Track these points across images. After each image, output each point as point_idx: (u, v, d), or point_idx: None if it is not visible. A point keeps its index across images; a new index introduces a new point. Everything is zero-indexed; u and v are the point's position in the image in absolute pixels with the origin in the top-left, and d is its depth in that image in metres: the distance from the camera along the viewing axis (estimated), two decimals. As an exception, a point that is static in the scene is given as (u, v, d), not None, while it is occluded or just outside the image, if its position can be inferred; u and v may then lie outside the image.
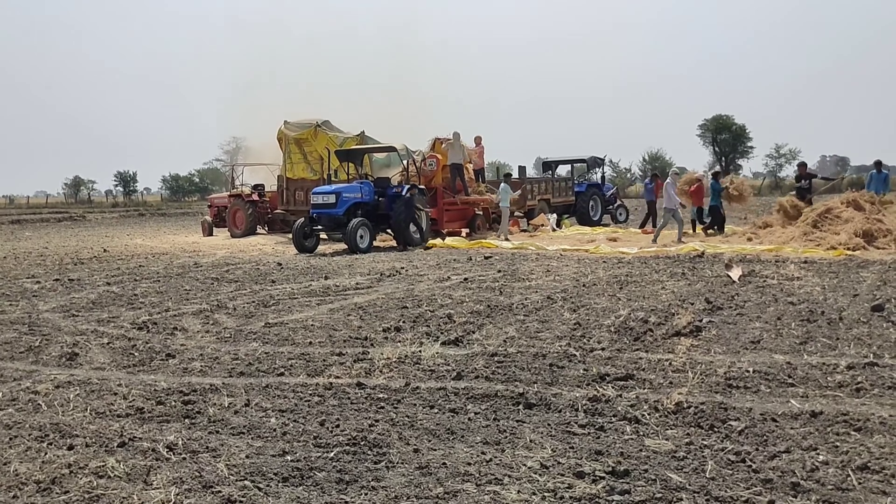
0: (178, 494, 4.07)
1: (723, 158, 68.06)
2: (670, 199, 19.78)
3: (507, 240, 20.72)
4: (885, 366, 6.30)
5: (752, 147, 69.07)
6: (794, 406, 5.35)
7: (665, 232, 20.49)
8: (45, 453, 4.82)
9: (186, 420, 5.47)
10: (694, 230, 22.03)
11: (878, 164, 21.70)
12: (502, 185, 22.93)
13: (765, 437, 4.78)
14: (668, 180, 20.61)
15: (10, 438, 5.14)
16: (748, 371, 6.26)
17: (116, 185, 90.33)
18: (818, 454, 4.45)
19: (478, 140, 25.83)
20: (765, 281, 11.41)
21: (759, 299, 9.75)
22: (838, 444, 4.62)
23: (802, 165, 22.49)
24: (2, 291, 12.69)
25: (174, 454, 4.73)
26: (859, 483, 4.03)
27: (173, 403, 5.87)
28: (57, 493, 4.17)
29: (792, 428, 4.94)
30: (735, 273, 12.06)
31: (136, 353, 7.70)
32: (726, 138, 67.78)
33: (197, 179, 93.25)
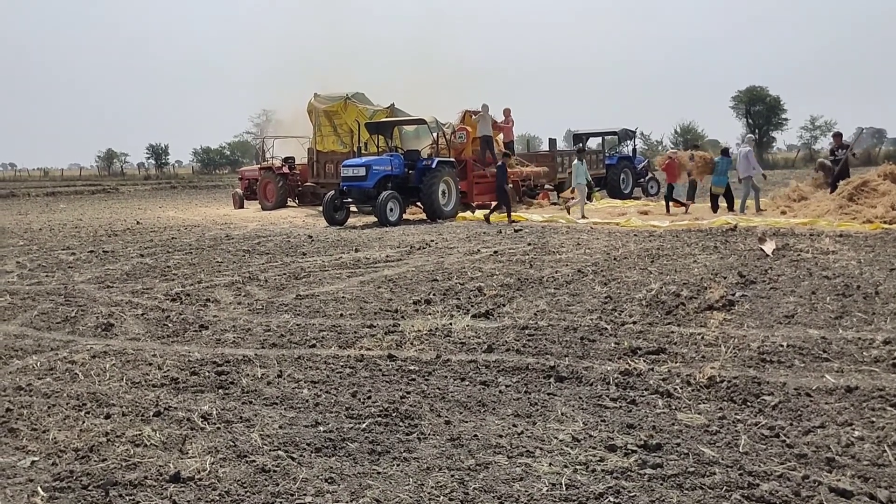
0: (213, 463, 4.13)
1: (756, 130, 67.02)
2: (749, 167, 19.34)
3: (583, 217, 19.42)
4: (922, 341, 6.20)
5: (786, 119, 67.96)
6: (828, 381, 5.29)
7: (695, 205, 20.27)
8: (83, 422, 4.90)
9: (220, 390, 5.54)
10: (667, 210, 21.50)
11: (725, 150, 20.95)
12: (575, 161, 21.42)
13: (799, 412, 4.73)
14: (745, 148, 20.07)
15: (49, 407, 5.24)
16: (782, 345, 6.19)
17: (148, 158, 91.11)
18: (853, 429, 4.40)
19: (507, 112, 25.65)
20: (799, 255, 11.25)
21: (793, 273, 9.63)
22: (874, 419, 4.57)
23: (838, 136, 21.72)
24: (38, 263, 12.90)
25: (209, 424, 4.80)
26: (895, 459, 3.99)
27: (207, 374, 5.94)
28: (95, 461, 4.24)
29: (826, 403, 4.89)
30: (768, 247, 11.90)
31: (169, 325, 7.80)
32: (760, 110, 66.70)
33: (228, 152, 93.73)
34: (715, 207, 19.94)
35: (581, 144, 24.28)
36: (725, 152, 20.61)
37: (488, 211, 19.56)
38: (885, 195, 16.41)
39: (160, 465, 4.13)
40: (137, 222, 21.98)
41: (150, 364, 6.27)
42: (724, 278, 9.33)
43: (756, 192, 19.38)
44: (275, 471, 4.03)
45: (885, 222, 14.95)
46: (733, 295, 8.19)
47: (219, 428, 4.73)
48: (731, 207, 19.73)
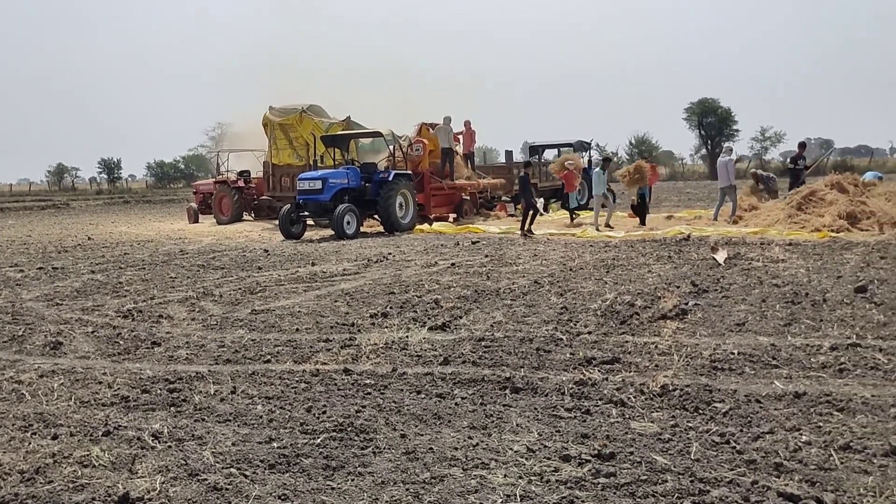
0: (163, 483, 4.06)
1: (709, 142, 68.06)
2: (728, 176, 19.59)
3: (608, 226, 19.31)
4: (867, 346, 6.34)
5: (737, 130, 68.89)
6: (777, 387, 5.38)
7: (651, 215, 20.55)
8: (29, 443, 4.79)
9: (172, 408, 5.46)
10: (572, 219, 21.92)
11: (605, 160, 21.35)
12: (597, 170, 20.73)
13: (749, 419, 4.81)
14: (724, 158, 20.32)
15: (-5, 428, 5.12)
16: (733, 353, 6.29)
17: (100, 173, 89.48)
18: (801, 434, 4.49)
19: (467, 125, 25.78)
20: (750, 263, 11.46)
21: (744, 282, 9.80)
22: (821, 424, 4.66)
23: (802, 145, 21.92)
24: (-15, 280, 12.61)
25: (159, 442, 4.72)
26: (841, 463, 4.07)
27: (159, 391, 5.85)
28: (41, 483, 4.15)
29: (776, 409, 4.97)
30: (721, 256, 12.10)
31: (120, 342, 7.67)
32: (712, 122, 67.68)
33: (182, 166, 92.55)
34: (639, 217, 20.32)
35: (608, 158, 22.88)
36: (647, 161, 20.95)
37: (522, 225, 18.41)
38: (832, 204, 16.82)
39: (108, 486, 4.05)
40: (89, 238, 21.61)
41: (100, 382, 6.16)
42: (678, 287, 9.46)
43: (734, 202, 19.67)
44: (227, 489, 3.98)
45: (832, 231, 15.30)
46: (686, 304, 8.30)
47: (170, 446, 4.66)
48: (643, 221, 20.06)
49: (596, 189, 20.12)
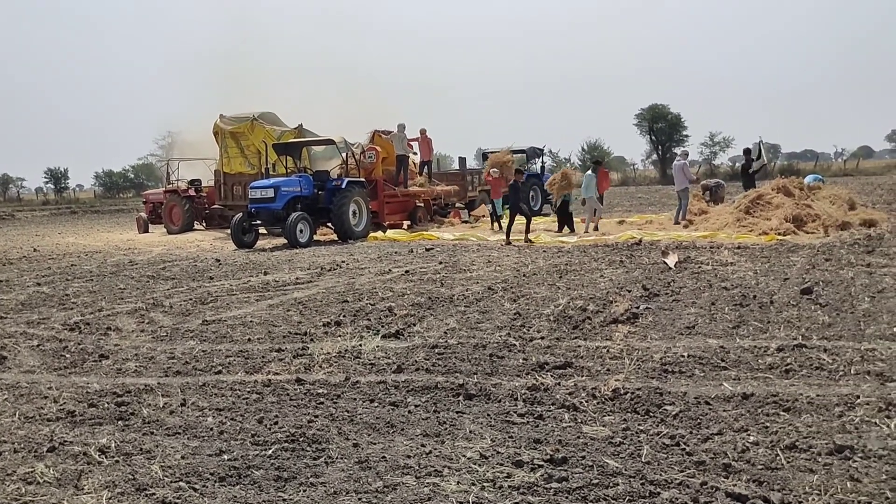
0: (109, 499, 3.98)
1: (659, 147, 69.02)
2: (684, 179, 19.88)
3: (596, 230, 19.51)
4: (812, 347, 6.47)
5: (687, 135, 70.04)
6: (726, 389, 5.47)
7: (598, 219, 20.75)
8: (-28, 461, 4.67)
9: (120, 422, 5.36)
10: (493, 224, 22.22)
11: (596, 163, 21.82)
12: (588, 172, 20.63)
13: (698, 421, 4.87)
14: (679, 161, 20.52)
15: (-65, 447, 4.97)
16: (683, 356, 6.37)
17: (47, 183, 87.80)
18: (749, 435, 4.56)
19: (423, 132, 25.79)
20: (700, 267, 11.64)
21: (694, 285, 9.95)
22: (768, 424, 4.74)
23: (747, 151, 22.29)
24: (-74, 295, 12.26)
25: (106, 457, 4.63)
26: (788, 462, 4.14)
27: (106, 405, 5.74)
28: (-17, 502, 4.04)
29: (724, 410, 5.05)
30: (671, 260, 12.27)
31: (67, 355, 7.51)
32: (662, 127, 68.69)
33: (131, 175, 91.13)
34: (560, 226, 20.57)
35: (598, 160, 23.03)
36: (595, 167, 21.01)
37: (524, 234, 17.86)
38: (778, 208, 17.18)
39: (53, 503, 3.96)
40: (34, 249, 21.13)
41: (45, 397, 6.02)
42: (629, 292, 9.57)
43: (684, 203, 20.00)
44: (175, 503, 3.92)
45: (779, 234, 15.61)
46: (638, 308, 8.40)
47: (117, 461, 4.57)
48: (561, 228, 20.39)
49: (586, 192, 20.07)
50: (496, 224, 21.90)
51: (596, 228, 19.70)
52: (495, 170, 23.62)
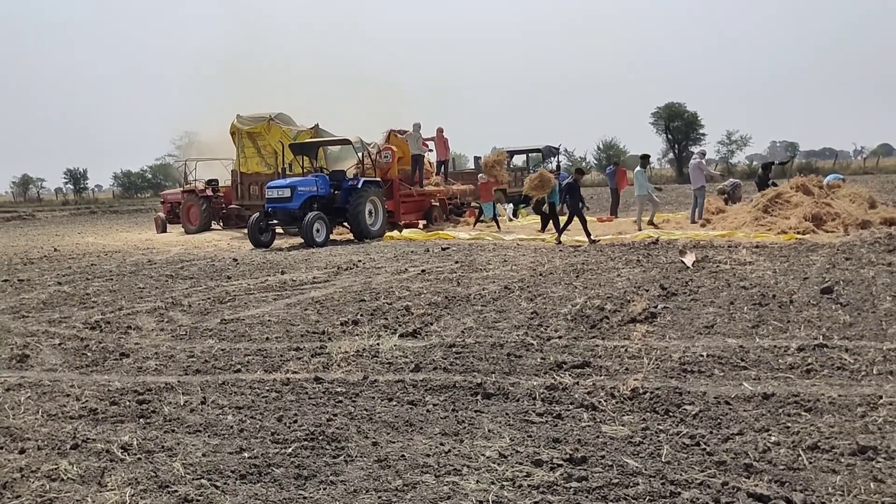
0: (132, 495, 4.02)
1: (676, 146, 68.75)
2: (700, 178, 19.83)
3: (652, 224, 19.51)
4: (833, 347, 6.43)
5: (703, 134, 69.66)
6: (746, 389, 5.44)
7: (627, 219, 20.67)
8: (-4, 458, 4.71)
9: (141, 420, 5.40)
10: (476, 224, 22.32)
11: (644, 157, 21.64)
12: (638, 169, 20.53)
13: (718, 421, 4.85)
14: (696, 160, 20.48)
15: (-41, 444, 5.02)
16: (702, 355, 6.35)
17: (66, 183, 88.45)
18: (770, 435, 4.54)
19: (439, 132, 25.80)
20: (718, 266, 11.58)
21: (712, 284, 9.90)
22: (789, 424, 4.71)
23: (767, 168, 22.32)
24: (-52, 294, 12.39)
25: (129, 455, 4.67)
26: (810, 462, 4.12)
27: (128, 403, 5.78)
28: (8, 498, 4.08)
29: (745, 410, 5.02)
30: (689, 259, 12.22)
31: (88, 354, 7.57)
32: (679, 126, 68.39)
33: (149, 176, 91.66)
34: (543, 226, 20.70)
35: (647, 155, 22.13)
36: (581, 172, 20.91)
37: (560, 232, 17.43)
38: (797, 206, 17.05)
39: (77, 500, 4.00)
40: (55, 249, 21.30)
41: (68, 395, 6.07)
42: (647, 291, 9.53)
43: (701, 202, 19.93)
44: (198, 500, 3.94)
45: (798, 233, 15.50)
46: (655, 307, 8.37)
47: (139, 458, 4.60)
48: (544, 227, 20.53)
49: (639, 190, 20.00)
50: (494, 224, 22.01)
51: (651, 223, 19.55)
52: (482, 175, 23.64)
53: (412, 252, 16.24)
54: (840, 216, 16.31)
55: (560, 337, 7.34)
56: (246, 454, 4.60)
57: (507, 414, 5.20)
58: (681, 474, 4.02)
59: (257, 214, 19.85)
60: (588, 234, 16.71)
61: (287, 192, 19.16)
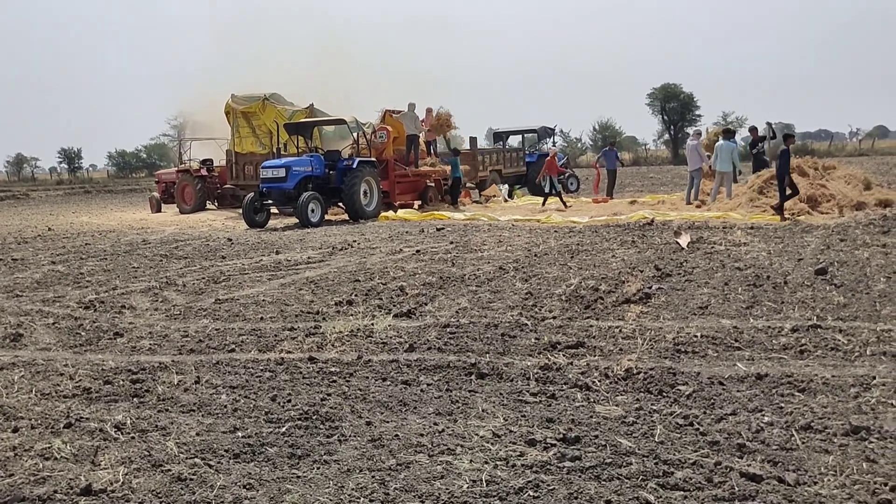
0: (126, 474, 4.01)
1: (671, 127, 68.64)
2: (698, 159, 19.77)
3: (729, 197, 18.61)
4: (827, 328, 6.45)
5: (699, 115, 69.54)
6: (740, 369, 5.45)
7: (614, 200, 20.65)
8: (-11, 437, 4.71)
9: (135, 399, 5.39)
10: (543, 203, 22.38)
11: (728, 132, 20.98)
12: (721, 142, 19.37)
13: (712, 401, 4.86)
14: (692, 142, 20.41)
15: (-48, 423, 5.01)
16: (696, 336, 6.36)
17: (61, 163, 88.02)
18: (763, 415, 4.55)
19: (429, 112, 25.70)
20: (712, 247, 11.59)
21: (706, 265, 9.91)
22: (783, 405, 4.73)
23: (753, 130, 21.65)
24: (-59, 273, 12.34)
25: (122, 434, 4.66)
26: (803, 443, 4.13)
27: (121, 382, 5.77)
28: (1, 476, 4.07)
29: (738, 391, 5.03)
30: (683, 240, 12.22)
31: (82, 333, 7.56)
32: (674, 107, 68.25)
33: (144, 155, 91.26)
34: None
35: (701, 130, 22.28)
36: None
37: (781, 206, 15.50)
38: (792, 188, 17.01)
39: (71, 479, 3.99)
40: (49, 229, 21.23)
41: (62, 374, 6.06)
42: (641, 272, 9.54)
43: (697, 183, 19.92)
44: (191, 479, 3.94)
45: (792, 214, 15.51)
46: (650, 288, 8.38)
47: (133, 437, 4.60)
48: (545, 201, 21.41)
49: (723, 165, 19.05)
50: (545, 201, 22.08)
51: (729, 196, 18.69)
52: (552, 147, 23.59)
53: (407, 232, 16.22)
54: (835, 197, 16.32)
55: (554, 317, 7.34)
56: (240, 433, 4.59)
57: (500, 394, 5.20)
58: (674, 454, 4.03)
59: (252, 194, 19.81)
60: (782, 210, 15.46)
61: (282, 173, 19.10)
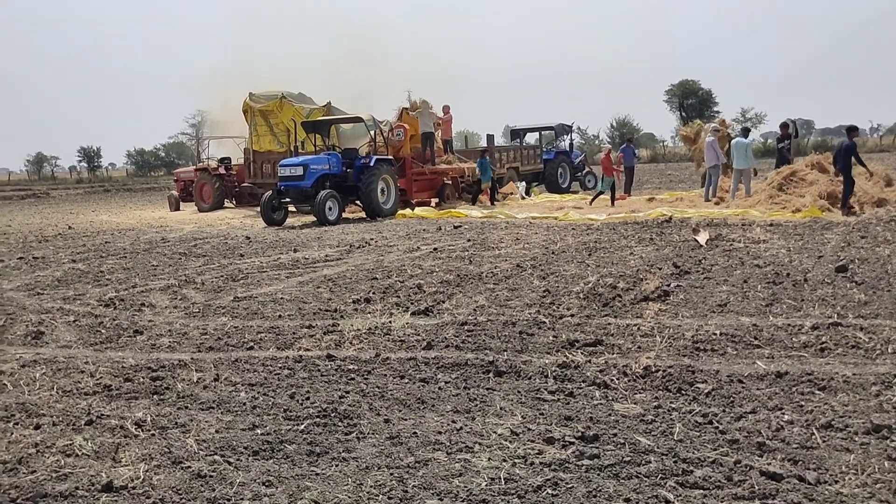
0: (147, 471, 4.04)
1: (689, 123, 68.25)
2: (714, 156, 19.63)
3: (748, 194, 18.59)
4: (848, 326, 6.39)
5: (718, 112, 69.06)
6: (759, 367, 5.42)
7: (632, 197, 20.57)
8: (11, 433, 4.75)
9: (155, 396, 5.43)
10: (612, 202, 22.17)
11: (745, 130, 20.90)
12: (737, 139, 19.40)
13: (731, 399, 4.84)
14: (710, 138, 20.28)
15: (-25, 419, 5.07)
16: (715, 334, 6.32)
17: (80, 161, 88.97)
18: (783, 414, 4.52)
19: (446, 109, 25.69)
20: (731, 244, 11.51)
21: (725, 263, 9.85)
22: (803, 403, 4.69)
23: (784, 126, 21.43)
24: (-36, 271, 12.47)
25: (143, 431, 4.70)
26: (823, 441, 4.10)
27: (141, 380, 5.81)
28: (24, 473, 4.12)
29: (758, 389, 5.00)
30: (702, 237, 12.15)
31: (102, 331, 7.62)
32: (693, 103, 67.93)
33: (163, 154, 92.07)
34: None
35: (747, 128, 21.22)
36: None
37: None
38: (812, 184, 16.92)
39: (92, 475, 4.03)
40: (69, 227, 21.41)
41: (83, 372, 6.11)
42: (660, 269, 9.49)
43: (715, 180, 19.77)
44: (211, 476, 3.97)
45: (850, 209, 15.33)
46: (668, 285, 8.34)
47: (153, 434, 4.63)
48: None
49: (741, 162, 18.97)
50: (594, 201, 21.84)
51: (748, 194, 18.60)
52: (606, 144, 23.25)
53: (424, 230, 16.23)
54: (856, 194, 16.16)
55: (572, 315, 7.32)
56: (258, 431, 4.62)
57: (518, 392, 5.20)
58: (693, 452, 4.01)
59: (270, 192, 19.87)
60: (846, 205, 15.53)
61: (300, 171, 19.15)
